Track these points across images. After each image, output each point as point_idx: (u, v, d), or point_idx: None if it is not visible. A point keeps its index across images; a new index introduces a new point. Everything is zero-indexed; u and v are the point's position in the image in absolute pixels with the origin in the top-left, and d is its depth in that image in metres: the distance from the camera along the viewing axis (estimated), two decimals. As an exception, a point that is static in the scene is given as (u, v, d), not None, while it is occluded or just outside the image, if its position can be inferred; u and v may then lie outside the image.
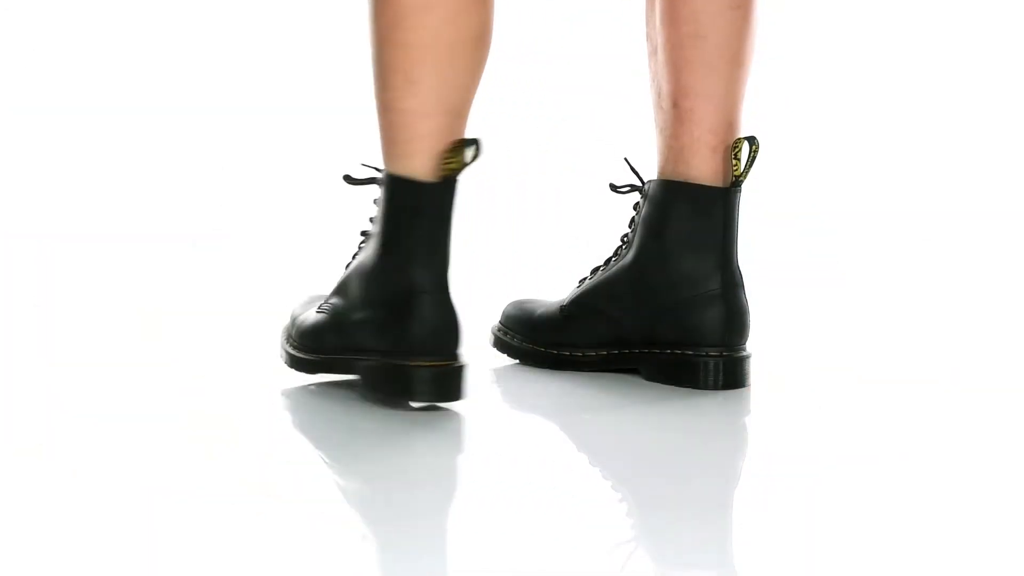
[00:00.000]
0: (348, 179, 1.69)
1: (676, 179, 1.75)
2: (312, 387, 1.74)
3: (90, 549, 1.26)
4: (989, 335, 2.09)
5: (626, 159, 1.81)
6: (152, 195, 2.99)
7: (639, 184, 1.79)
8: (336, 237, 2.70)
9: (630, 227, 1.80)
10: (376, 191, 1.67)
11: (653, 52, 1.78)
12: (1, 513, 1.36)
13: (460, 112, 1.63)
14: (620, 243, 1.81)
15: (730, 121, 1.74)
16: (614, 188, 1.82)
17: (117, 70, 3.23)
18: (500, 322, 1.88)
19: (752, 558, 1.25)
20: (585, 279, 1.84)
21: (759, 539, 1.29)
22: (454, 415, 1.63)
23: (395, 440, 1.56)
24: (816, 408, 1.71)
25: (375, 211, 1.67)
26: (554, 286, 1.94)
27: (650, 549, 1.28)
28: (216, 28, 3.26)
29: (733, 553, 1.26)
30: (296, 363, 1.75)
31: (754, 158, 1.72)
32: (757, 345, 1.78)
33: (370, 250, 1.66)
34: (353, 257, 1.73)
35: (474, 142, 1.61)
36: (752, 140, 1.72)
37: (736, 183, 1.73)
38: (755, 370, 1.78)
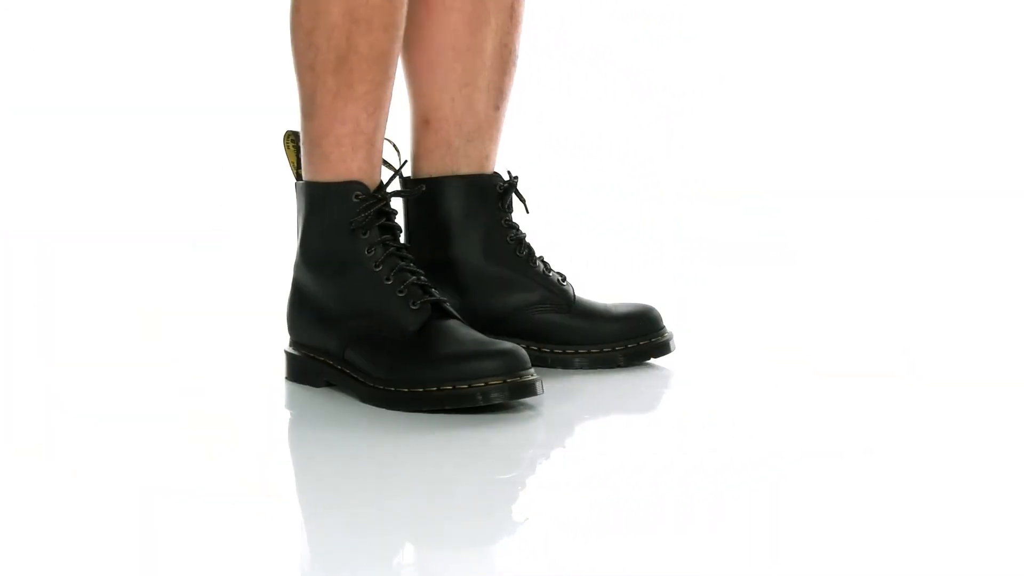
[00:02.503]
0: None
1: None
2: (312, 388, 1.74)
3: (90, 549, 1.26)
4: (947, 325, 2.09)
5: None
6: (152, 195, 3.00)
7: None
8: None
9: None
10: None
11: None
12: (1, 513, 1.36)
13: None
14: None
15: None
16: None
17: (117, 70, 3.23)
18: None
19: (718, 557, 1.25)
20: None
21: (726, 538, 1.29)
22: (452, 416, 1.62)
23: (395, 440, 1.56)
24: (774, 404, 1.70)
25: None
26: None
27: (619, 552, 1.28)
28: (216, 28, 3.26)
29: (699, 553, 1.26)
30: None
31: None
32: (710, 333, 1.77)
33: None
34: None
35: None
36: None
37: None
38: (710, 361, 1.81)
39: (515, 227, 1.83)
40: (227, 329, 2.12)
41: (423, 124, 1.83)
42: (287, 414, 1.71)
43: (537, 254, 1.84)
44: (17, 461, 1.53)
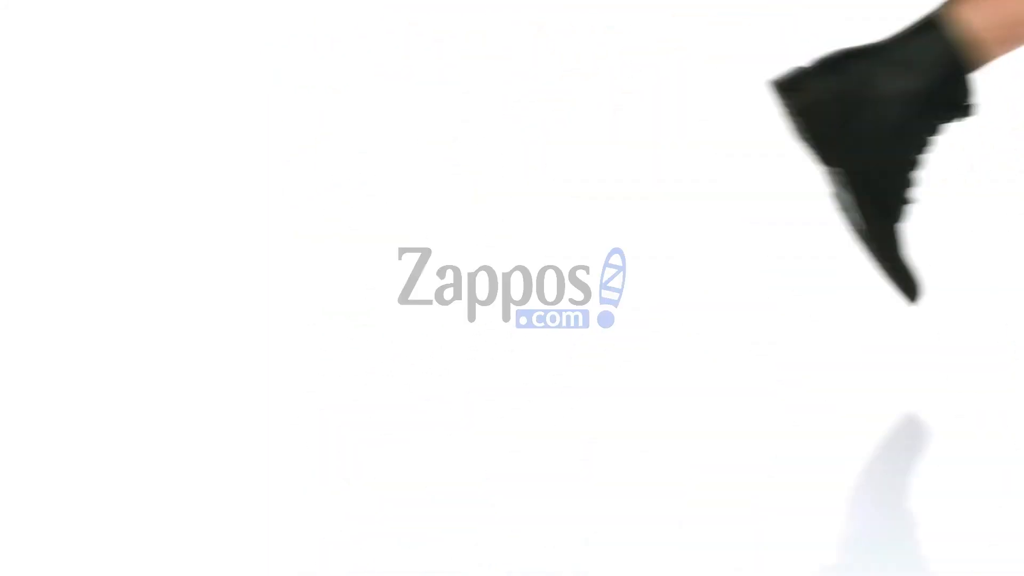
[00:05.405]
0: None
1: None
2: (312, 387, 1.74)
3: (89, 549, 1.26)
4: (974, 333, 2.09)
5: None
6: (152, 195, 2.99)
7: None
8: (335, 235, 2.70)
9: None
10: None
11: None
12: (1, 513, 1.36)
13: None
14: None
15: None
16: None
17: (117, 70, 3.23)
18: None
19: (719, 554, 1.25)
20: None
21: (727, 534, 1.29)
22: (453, 413, 1.62)
23: (396, 440, 1.56)
24: (813, 413, 1.70)
25: None
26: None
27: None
28: (215, 28, 3.26)
29: (699, 552, 1.26)
30: None
31: None
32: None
33: None
34: None
35: None
36: None
37: None
38: (750, 367, 1.82)
39: None
40: (227, 329, 2.12)
41: None
42: (287, 413, 1.71)
43: None
44: (17, 461, 1.53)
